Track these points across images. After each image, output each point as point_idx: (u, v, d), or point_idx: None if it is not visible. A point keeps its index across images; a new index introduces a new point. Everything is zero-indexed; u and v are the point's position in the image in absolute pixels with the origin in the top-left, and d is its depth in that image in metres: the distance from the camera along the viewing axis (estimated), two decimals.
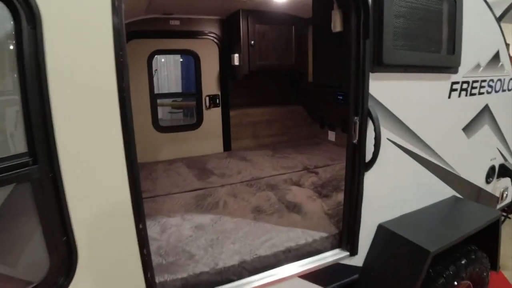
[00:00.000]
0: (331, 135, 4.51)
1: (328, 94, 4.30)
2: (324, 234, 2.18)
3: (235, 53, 3.86)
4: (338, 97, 4.15)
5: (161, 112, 9.06)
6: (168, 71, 9.45)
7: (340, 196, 2.71)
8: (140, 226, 1.48)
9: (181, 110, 9.45)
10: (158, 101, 7.96)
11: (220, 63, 4.19)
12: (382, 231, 2.19)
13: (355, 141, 1.98)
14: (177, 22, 3.88)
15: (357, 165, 2.01)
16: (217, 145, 4.39)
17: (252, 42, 3.77)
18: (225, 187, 3.08)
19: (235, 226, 2.32)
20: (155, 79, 4.76)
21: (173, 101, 9.12)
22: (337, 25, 2.09)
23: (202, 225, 2.35)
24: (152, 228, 2.33)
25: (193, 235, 2.22)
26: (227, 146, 4.43)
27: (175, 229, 2.31)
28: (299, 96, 4.82)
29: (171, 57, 9.19)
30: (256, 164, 3.69)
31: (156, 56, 4.05)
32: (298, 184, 3.09)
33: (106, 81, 1.29)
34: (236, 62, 3.83)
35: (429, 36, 2.11)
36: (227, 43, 4.14)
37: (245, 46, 3.77)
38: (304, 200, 2.71)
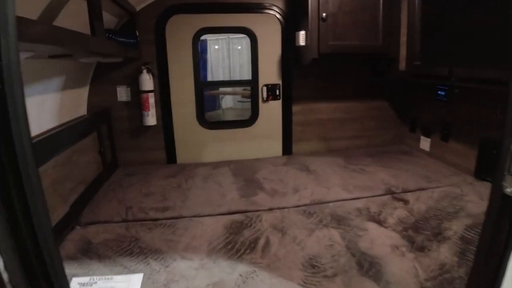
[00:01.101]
0: (425, 143, 3.39)
1: (425, 88, 3.20)
2: None
3: (300, 30, 2.95)
4: (439, 92, 3.04)
5: (232, 101, 8.47)
6: (226, 54, 8.48)
7: (444, 252, 1.72)
8: None
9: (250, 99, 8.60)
10: (229, 89, 7.31)
11: (282, 44, 3.32)
12: None
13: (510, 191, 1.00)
14: None
15: (508, 237, 1.02)
16: (275, 147, 3.56)
17: (324, 14, 2.82)
18: (274, 212, 2.25)
19: None
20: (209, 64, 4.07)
21: (243, 89, 8.37)
22: None
23: (224, 284, 1.56)
24: (154, 278, 1.60)
25: None
26: (287, 149, 3.58)
27: (183, 285, 1.55)
28: (384, 89, 3.72)
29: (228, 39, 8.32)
30: (321, 179, 2.78)
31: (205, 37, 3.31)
32: (378, 220, 2.13)
33: None
34: (302, 41, 2.92)
35: None
36: (292, 19, 3.24)
37: (314, 21, 2.83)
38: (386, 253, 1.76)
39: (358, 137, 3.75)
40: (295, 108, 3.49)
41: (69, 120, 2.70)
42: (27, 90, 2.04)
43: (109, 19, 2.73)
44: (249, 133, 3.48)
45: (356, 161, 3.21)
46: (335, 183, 2.67)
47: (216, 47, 8.15)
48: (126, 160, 3.38)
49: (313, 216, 2.18)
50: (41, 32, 1.24)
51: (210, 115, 7.86)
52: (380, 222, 2.09)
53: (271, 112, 3.47)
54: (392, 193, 2.52)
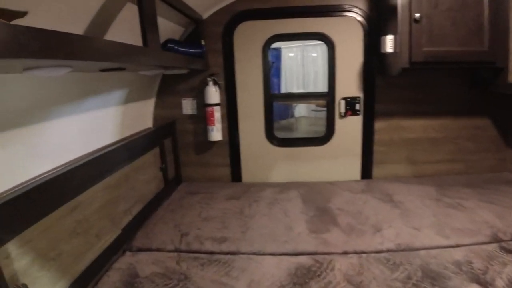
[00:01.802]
0: None
1: None
2: None
3: (387, 34, 2.48)
4: None
5: (306, 109, 8.05)
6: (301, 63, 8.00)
7: None
8: None
9: (325, 108, 8.10)
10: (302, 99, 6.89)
11: (364, 51, 2.86)
12: None
13: None
14: None
15: None
16: (352, 169, 3.10)
17: (418, 15, 2.31)
18: (349, 258, 1.82)
19: None
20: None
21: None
22: None
23: None
24: None
25: None
26: (366, 172, 3.09)
27: None
28: (487, 104, 3.04)
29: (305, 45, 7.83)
30: (408, 215, 2.27)
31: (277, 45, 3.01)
32: (483, 281, 1.56)
33: None
34: (389, 48, 2.45)
35: None
36: (376, 22, 2.79)
37: (405, 22, 2.34)
38: None
39: (453, 161, 3.10)
40: (378, 125, 3.00)
41: (132, 134, 2.59)
42: (84, 104, 1.92)
43: (174, 28, 2.57)
44: (323, 152, 3.07)
45: (452, 193, 2.60)
46: (426, 223, 2.14)
47: (291, 54, 7.82)
48: (190, 176, 3.20)
49: (399, 268, 1.70)
50: (76, 47, 1.04)
51: (282, 124, 7.54)
52: (486, 285, 1.54)
53: (349, 129, 3.02)
54: (499, 240, 1.92)
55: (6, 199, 1.26)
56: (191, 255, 1.96)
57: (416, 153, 3.07)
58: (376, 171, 3.07)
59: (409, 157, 3.08)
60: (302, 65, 7.86)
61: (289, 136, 6.43)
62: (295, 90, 8.05)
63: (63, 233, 1.58)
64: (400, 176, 3.05)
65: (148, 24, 1.58)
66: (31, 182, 1.50)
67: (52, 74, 1.28)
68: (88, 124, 2.01)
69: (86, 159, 1.83)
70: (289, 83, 8.03)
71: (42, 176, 1.58)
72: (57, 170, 1.68)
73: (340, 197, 2.60)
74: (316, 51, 7.36)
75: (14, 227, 1.27)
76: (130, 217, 2.24)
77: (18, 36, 0.82)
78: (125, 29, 1.75)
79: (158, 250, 2.04)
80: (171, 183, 2.97)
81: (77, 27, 1.52)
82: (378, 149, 3.04)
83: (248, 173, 3.18)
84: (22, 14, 0.99)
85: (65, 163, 1.78)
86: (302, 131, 7.35)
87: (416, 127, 3.03)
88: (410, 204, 2.41)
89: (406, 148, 3.06)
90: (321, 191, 2.74)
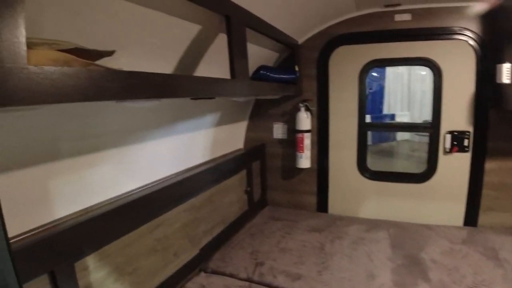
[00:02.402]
0: None
1: None
2: None
3: (504, 61, 2.11)
4: None
5: (409, 133, 7.45)
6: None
7: None
8: None
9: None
10: (406, 120, 6.31)
11: (477, 80, 2.48)
12: None
13: None
14: (407, 17, 2.51)
15: None
16: (454, 213, 2.68)
17: None
18: None
19: None
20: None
21: (424, 121, 7.17)
22: None
23: None
24: None
25: None
26: (470, 218, 2.64)
27: None
28: None
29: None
30: None
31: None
32: None
33: None
34: (506, 78, 2.07)
35: None
36: (491, 47, 2.40)
37: None
38: None
39: None
40: (490, 165, 2.55)
41: (222, 155, 2.68)
42: (176, 128, 2.04)
43: (268, 55, 2.60)
44: (421, 190, 2.74)
45: None
46: None
47: (396, 72, 7.31)
48: (275, 200, 3.18)
49: None
50: (158, 83, 1.11)
51: (381, 147, 7.07)
52: None
53: (455, 167, 2.63)
54: None
55: (92, 215, 1.38)
56: (262, 287, 1.92)
57: None
58: (483, 218, 2.61)
59: None
60: (408, 83, 7.29)
61: (388, 161, 5.98)
62: (399, 111, 7.52)
63: (142, 250, 1.68)
64: (510, 228, 2.55)
65: (237, 55, 1.60)
66: (119, 198, 1.63)
67: (141, 106, 1.38)
68: (179, 146, 2.13)
69: (173, 181, 1.93)
70: (393, 103, 7.52)
71: (132, 193, 1.71)
72: (145, 188, 1.81)
73: (436, 246, 2.27)
74: (425, 69, 6.76)
75: (96, 242, 1.39)
76: (209, 238, 2.29)
77: (97, 79, 0.88)
78: (217, 59, 1.81)
79: (231, 275, 2.04)
80: (255, 206, 2.98)
81: (171, 59, 1.62)
82: (487, 193, 2.58)
83: (335, 204, 3.01)
84: (109, 53, 1.05)
85: (154, 181, 1.91)
86: (403, 156, 6.77)
87: None
88: None
89: None
90: (414, 235, 2.44)
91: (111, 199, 1.61)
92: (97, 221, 1.39)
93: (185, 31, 1.55)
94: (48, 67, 0.75)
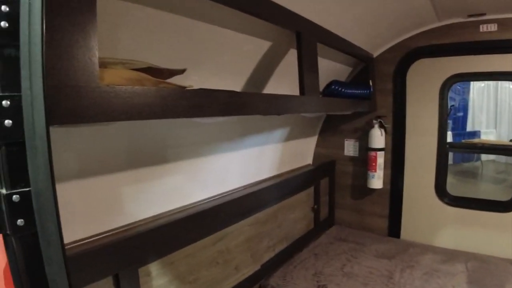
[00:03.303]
0: None
1: None
2: None
3: None
4: None
5: None
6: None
7: None
8: None
9: None
10: (492, 139, 5.63)
11: None
12: None
13: None
14: (493, 27, 2.24)
15: None
16: None
17: None
18: None
19: None
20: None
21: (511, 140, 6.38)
22: None
23: None
24: None
25: None
26: None
27: None
28: None
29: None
30: None
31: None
32: None
33: None
34: None
35: None
36: None
37: None
38: None
39: None
40: None
41: (290, 170, 2.66)
42: (245, 141, 2.06)
43: (340, 69, 2.52)
44: (507, 220, 2.42)
45: None
46: None
47: (481, 85, 6.60)
48: (342, 219, 3.05)
49: None
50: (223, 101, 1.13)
51: (464, 167, 6.41)
52: None
53: None
54: None
55: (159, 223, 1.44)
56: None
57: None
58: None
59: None
60: (495, 98, 6.55)
61: (470, 184, 5.39)
62: (484, 128, 6.75)
63: (204, 261, 1.71)
64: None
65: (307, 71, 1.58)
66: (187, 208, 1.68)
67: (208, 122, 1.41)
68: (248, 159, 2.16)
69: (240, 194, 1.95)
70: (477, 120, 6.80)
71: (199, 203, 1.77)
72: (213, 199, 1.85)
73: None
74: None
75: (161, 250, 1.44)
76: (272, 254, 2.27)
77: (165, 98, 0.92)
78: (287, 74, 1.80)
79: None
80: (322, 224, 2.89)
81: (241, 75, 1.65)
82: None
83: (409, 229, 2.79)
84: (181, 71, 1.09)
85: (222, 193, 1.95)
86: (488, 179, 6.05)
87: None
88: None
89: None
90: (495, 271, 2.15)
91: (179, 207, 1.67)
92: (164, 229, 1.45)
93: (256, 47, 1.57)
94: (119, 86, 0.79)
